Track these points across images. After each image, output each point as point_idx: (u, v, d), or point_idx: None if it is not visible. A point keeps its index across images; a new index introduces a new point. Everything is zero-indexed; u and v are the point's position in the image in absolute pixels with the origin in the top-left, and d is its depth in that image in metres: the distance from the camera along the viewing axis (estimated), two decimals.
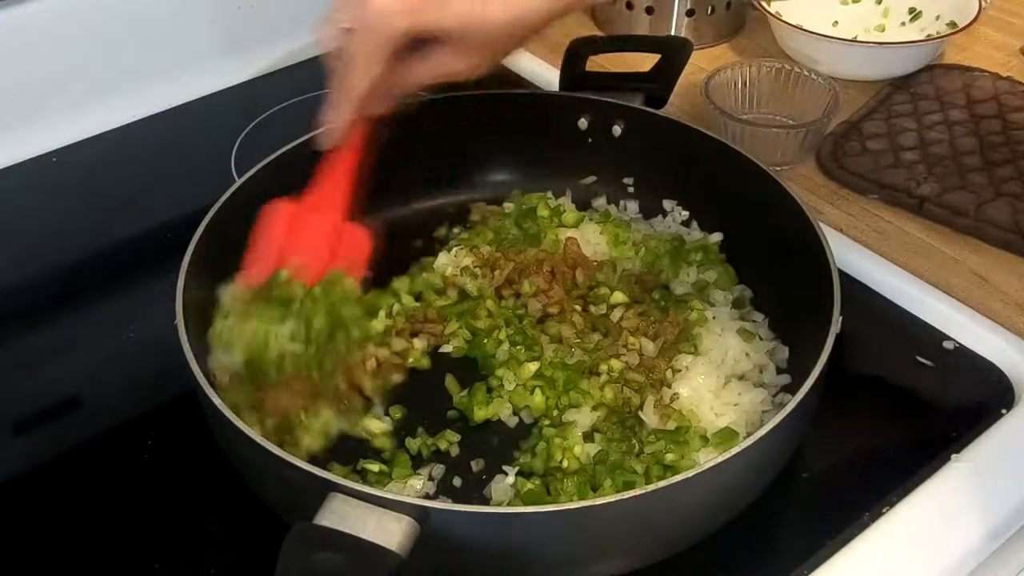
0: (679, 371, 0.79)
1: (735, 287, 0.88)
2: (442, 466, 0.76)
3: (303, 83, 1.16)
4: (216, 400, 0.67)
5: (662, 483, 0.63)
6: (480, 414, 0.78)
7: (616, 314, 0.84)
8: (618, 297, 0.85)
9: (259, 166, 0.87)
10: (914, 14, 1.20)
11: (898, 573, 0.70)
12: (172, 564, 0.71)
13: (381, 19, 0.70)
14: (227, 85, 1.17)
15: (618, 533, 0.65)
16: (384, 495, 0.61)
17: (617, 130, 0.95)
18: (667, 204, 0.96)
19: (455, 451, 0.77)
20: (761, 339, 0.83)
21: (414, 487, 0.74)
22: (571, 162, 0.98)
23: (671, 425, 0.75)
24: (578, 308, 0.85)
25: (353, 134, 0.78)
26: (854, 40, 1.15)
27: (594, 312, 0.85)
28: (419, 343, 0.84)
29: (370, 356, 0.80)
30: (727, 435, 0.74)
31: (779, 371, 0.81)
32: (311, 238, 0.77)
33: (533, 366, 0.80)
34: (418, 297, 0.89)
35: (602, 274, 0.88)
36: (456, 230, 0.96)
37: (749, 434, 0.66)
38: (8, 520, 0.75)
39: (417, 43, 0.73)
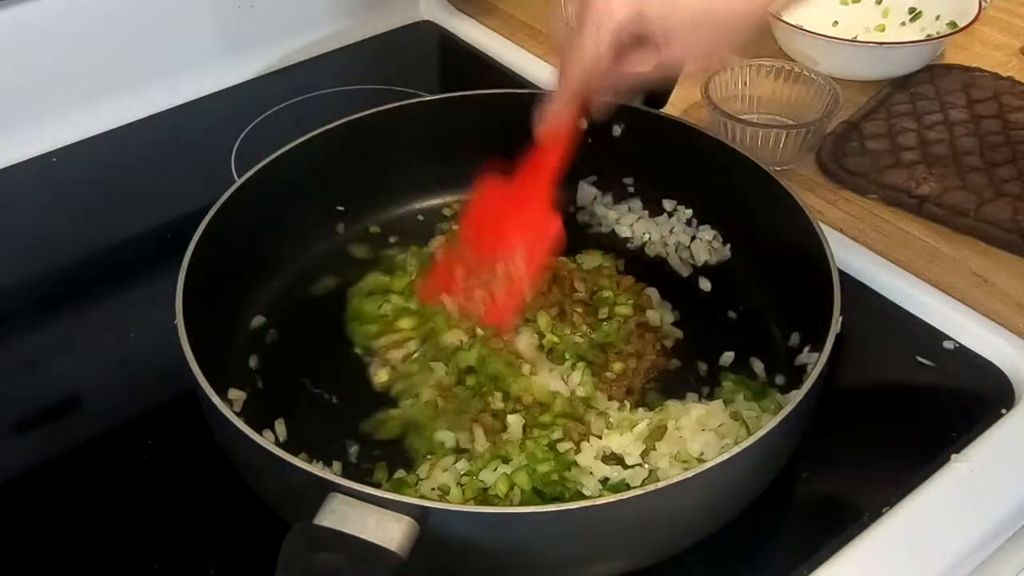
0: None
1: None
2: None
3: (303, 83, 1.16)
4: (216, 400, 0.67)
5: (662, 483, 0.63)
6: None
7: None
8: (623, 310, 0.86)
9: (259, 166, 0.87)
10: (914, 14, 1.20)
11: (898, 573, 0.70)
12: (172, 564, 0.71)
13: (604, 13, 0.71)
14: (227, 85, 1.17)
15: (618, 533, 0.65)
16: (384, 495, 0.61)
17: (617, 130, 0.95)
18: (667, 204, 0.96)
19: None
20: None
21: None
22: (571, 162, 0.98)
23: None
24: (579, 311, 0.85)
25: (567, 125, 0.79)
26: (854, 40, 1.15)
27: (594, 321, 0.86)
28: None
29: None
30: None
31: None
32: (515, 220, 0.82)
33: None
34: None
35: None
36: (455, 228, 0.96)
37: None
38: (8, 520, 0.75)
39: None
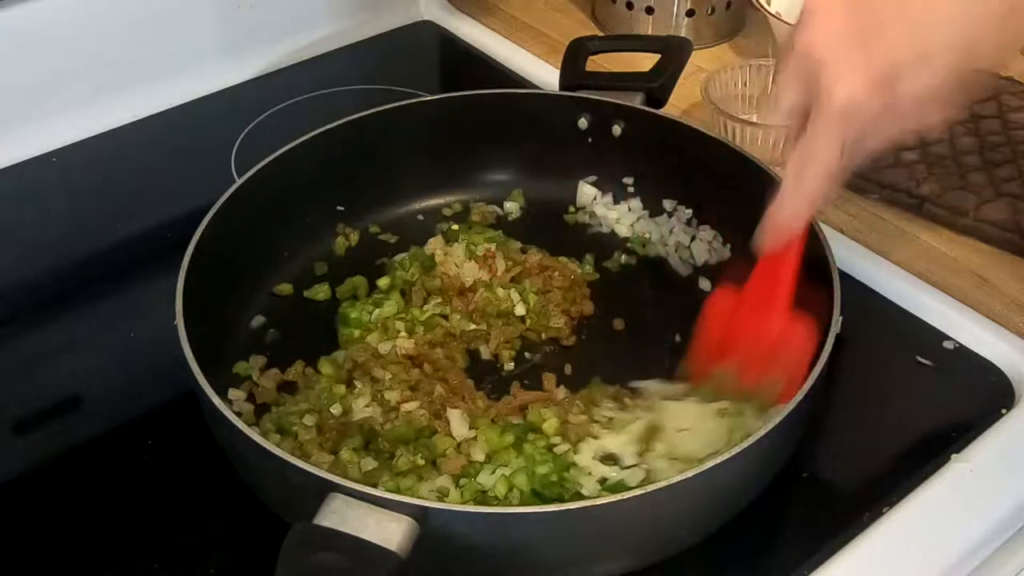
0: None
1: None
2: None
3: (303, 83, 1.16)
4: (216, 400, 0.67)
5: (662, 483, 0.63)
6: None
7: None
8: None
9: (259, 166, 0.87)
10: None
11: (898, 573, 0.70)
12: (172, 564, 0.71)
13: (850, 111, 0.62)
14: (227, 85, 1.17)
15: (618, 533, 0.65)
16: (384, 495, 0.61)
17: (617, 130, 0.95)
18: (667, 204, 0.96)
19: None
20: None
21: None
22: (571, 162, 0.98)
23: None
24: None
25: (800, 232, 0.71)
26: None
27: None
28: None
29: None
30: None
31: None
32: (751, 336, 0.73)
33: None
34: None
35: None
36: (455, 227, 0.96)
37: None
38: (8, 520, 0.75)
39: None
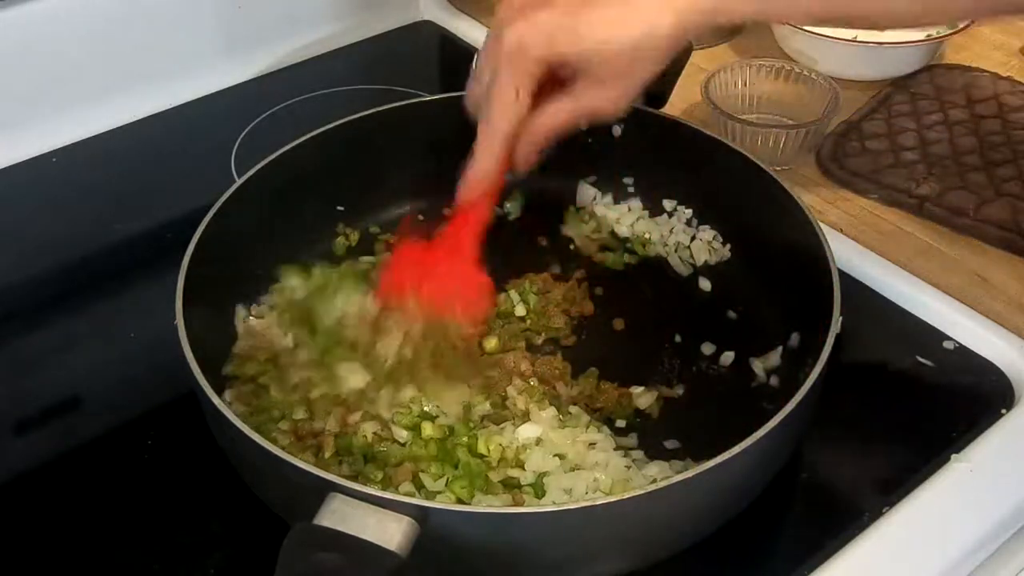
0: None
1: None
2: None
3: (303, 83, 1.16)
4: (216, 400, 0.67)
5: (662, 483, 0.63)
6: None
7: None
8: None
9: (259, 166, 0.87)
10: None
11: (898, 573, 0.70)
12: (172, 564, 0.71)
13: (517, 52, 0.70)
14: (227, 85, 1.17)
15: (618, 533, 0.65)
16: (384, 495, 0.61)
17: (617, 130, 0.95)
18: (667, 204, 0.96)
19: None
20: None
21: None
22: (571, 162, 0.98)
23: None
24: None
25: (491, 184, 0.77)
26: (854, 40, 1.15)
27: None
28: None
29: None
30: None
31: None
32: (436, 280, 0.78)
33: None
34: None
35: None
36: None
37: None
38: (8, 520, 0.75)
39: (555, 85, 0.73)
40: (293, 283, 0.86)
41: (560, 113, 0.74)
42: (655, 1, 0.70)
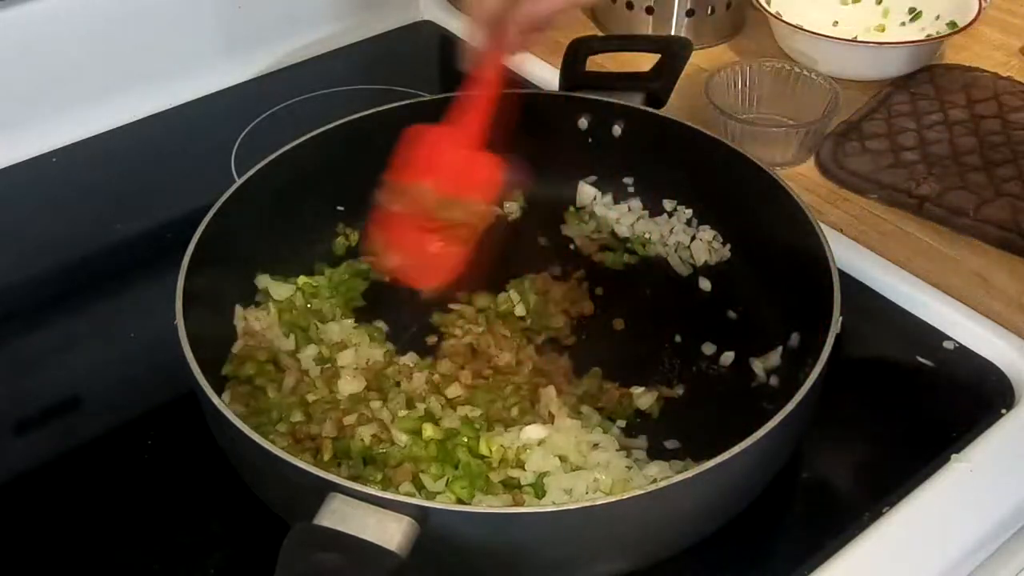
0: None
1: None
2: None
3: (303, 83, 1.16)
4: (216, 400, 0.67)
5: (663, 483, 0.63)
6: None
7: None
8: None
9: (259, 166, 0.87)
10: (914, 14, 1.20)
11: (898, 573, 0.70)
12: (172, 564, 0.71)
13: None
14: (227, 85, 1.17)
15: (618, 533, 0.65)
16: (384, 495, 0.61)
17: (617, 130, 0.95)
18: (667, 204, 0.96)
19: None
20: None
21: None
22: (571, 162, 0.98)
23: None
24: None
25: (491, 66, 0.79)
26: (854, 40, 1.15)
27: None
28: None
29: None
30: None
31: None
32: (448, 163, 0.80)
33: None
34: None
35: None
36: None
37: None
38: (8, 520, 0.75)
39: None
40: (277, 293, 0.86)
41: (541, 3, 0.75)
42: None
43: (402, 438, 0.75)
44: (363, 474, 0.73)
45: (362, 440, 0.74)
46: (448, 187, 0.80)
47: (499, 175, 0.82)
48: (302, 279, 0.88)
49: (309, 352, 0.82)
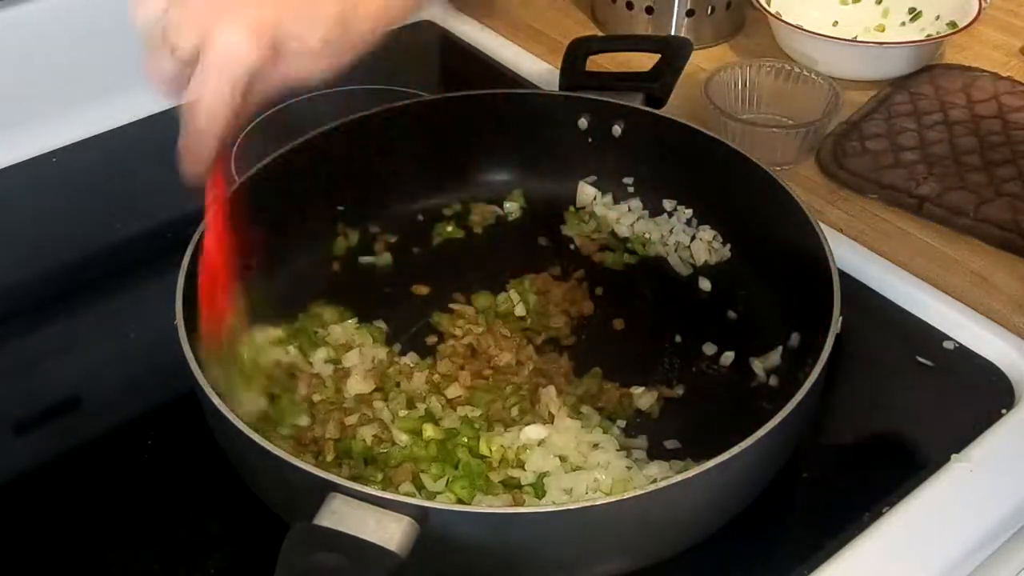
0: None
1: None
2: None
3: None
4: (216, 400, 0.67)
5: (662, 483, 0.63)
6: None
7: None
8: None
9: (259, 166, 0.87)
10: (914, 14, 1.20)
11: (898, 573, 0.70)
12: (172, 564, 0.71)
13: (232, 59, 0.64)
14: None
15: (618, 533, 0.65)
16: (384, 495, 0.61)
17: (617, 130, 0.95)
18: (667, 204, 0.96)
19: None
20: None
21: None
22: (571, 162, 0.98)
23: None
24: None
25: (216, 166, 0.73)
26: (854, 40, 1.15)
27: None
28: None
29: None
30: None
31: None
32: (206, 291, 0.74)
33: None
34: None
35: None
36: (450, 228, 0.96)
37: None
38: (8, 520, 0.75)
39: None
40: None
41: (270, 84, 0.68)
42: None
43: (403, 438, 0.75)
44: (364, 474, 0.73)
45: (363, 440, 0.74)
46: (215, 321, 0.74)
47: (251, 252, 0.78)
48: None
49: (320, 355, 0.82)
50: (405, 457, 0.74)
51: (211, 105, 0.68)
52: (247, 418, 0.69)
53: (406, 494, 0.70)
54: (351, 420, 0.76)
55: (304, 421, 0.76)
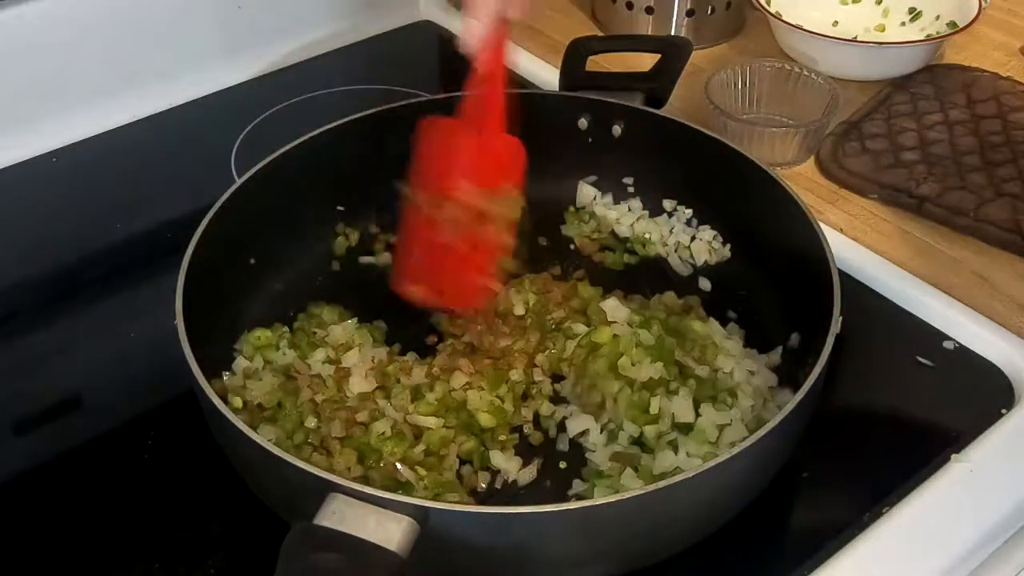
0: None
1: None
2: None
3: (303, 83, 1.16)
4: (216, 400, 0.67)
5: (662, 483, 0.63)
6: None
7: None
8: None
9: (259, 166, 0.87)
10: (914, 14, 1.20)
11: (898, 573, 0.70)
12: (172, 564, 0.71)
13: None
14: (227, 85, 1.17)
15: (618, 533, 0.65)
16: (384, 495, 0.61)
17: (617, 130, 0.95)
18: (667, 204, 0.96)
19: None
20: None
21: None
22: (571, 162, 0.98)
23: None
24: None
25: (496, 43, 0.76)
26: (854, 40, 1.15)
27: None
28: None
29: None
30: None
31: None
32: (478, 157, 0.78)
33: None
34: None
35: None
36: None
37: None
38: (8, 520, 0.75)
39: None
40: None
41: None
42: None
43: (431, 420, 0.76)
44: (372, 473, 0.73)
45: (378, 434, 0.75)
46: (486, 182, 0.78)
47: (522, 157, 0.80)
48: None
49: (318, 356, 0.82)
50: (407, 456, 0.74)
51: None
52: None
53: (413, 485, 0.71)
54: (362, 417, 0.76)
55: (311, 423, 0.76)
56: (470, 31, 0.75)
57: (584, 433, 0.78)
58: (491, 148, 0.78)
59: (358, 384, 0.79)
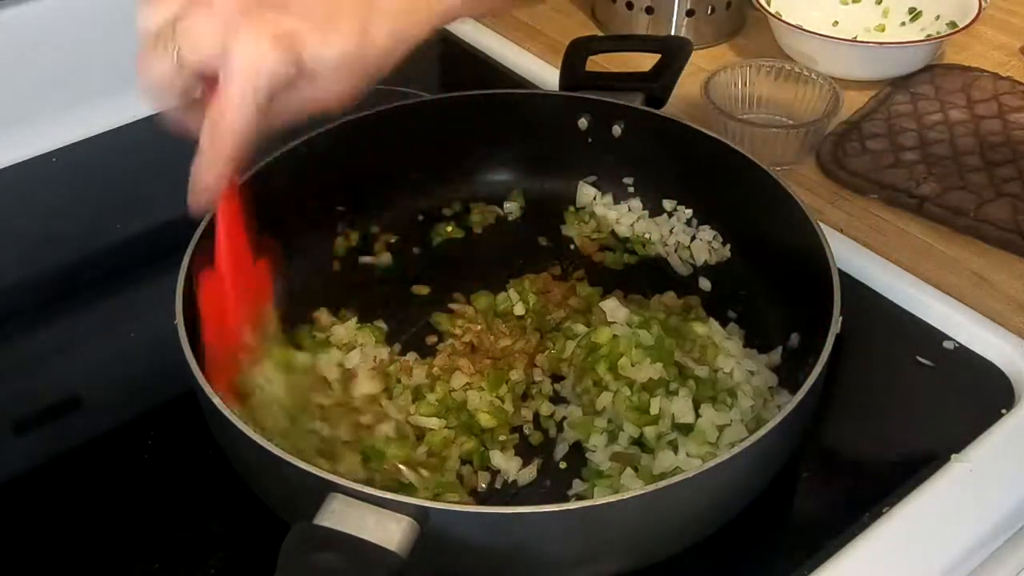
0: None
1: None
2: None
3: None
4: (216, 400, 0.67)
5: (662, 483, 0.63)
6: None
7: None
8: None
9: (259, 166, 0.87)
10: (914, 14, 1.20)
11: (898, 573, 0.70)
12: (172, 564, 0.71)
13: (252, 68, 0.61)
14: None
15: (618, 533, 0.65)
16: (384, 495, 0.61)
17: (617, 130, 0.95)
18: (667, 204, 0.96)
19: None
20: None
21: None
22: (571, 162, 0.98)
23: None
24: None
25: (228, 185, 0.70)
26: (854, 40, 1.15)
27: None
28: None
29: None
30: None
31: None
32: (220, 308, 0.72)
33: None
34: None
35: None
36: (450, 228, 0.96)
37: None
38: (8, 520, 0.75)
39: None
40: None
41: (287, 111, 0.66)
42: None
43: (433, 421, 0.76)
44: (376, 476, 0.73)
45: (384, 436, 0.75)
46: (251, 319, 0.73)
47: (267, 279, 0.75)
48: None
49: (327, 358, 0.81)
50: (407, 457, 0.74)
51: (232, 118, 0.64)
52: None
53: (409, 489, 0.70)
54: (366, 419, 0.76)
55: (320, 427, 0.76)
56: (204, 187, 0.69)
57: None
58: (243, 287, 0.73)
59: (365, 386, 0.79)
